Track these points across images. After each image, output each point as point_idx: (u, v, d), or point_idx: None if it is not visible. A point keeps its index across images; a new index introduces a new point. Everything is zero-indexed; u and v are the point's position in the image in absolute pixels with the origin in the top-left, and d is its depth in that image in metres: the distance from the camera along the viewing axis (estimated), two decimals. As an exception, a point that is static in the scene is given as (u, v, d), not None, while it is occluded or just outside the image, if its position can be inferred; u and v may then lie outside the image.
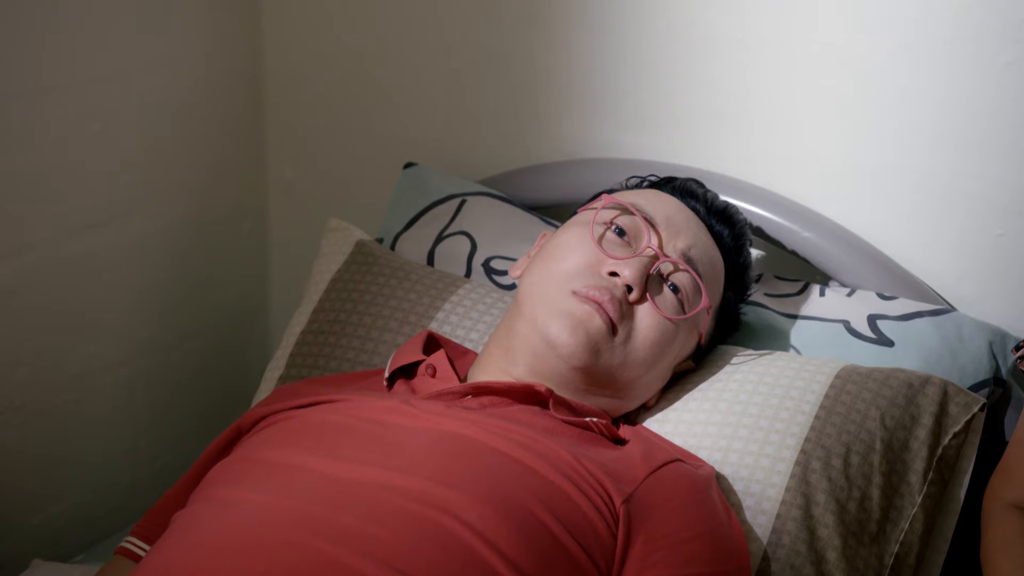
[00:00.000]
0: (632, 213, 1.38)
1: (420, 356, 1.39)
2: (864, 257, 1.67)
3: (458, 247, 1.71)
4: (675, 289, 1.37)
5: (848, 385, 1.41)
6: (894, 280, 1.66)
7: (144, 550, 1.31)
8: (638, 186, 1.51)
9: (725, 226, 1.46)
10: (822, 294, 1.64)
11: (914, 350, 1.56)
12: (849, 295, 1.64)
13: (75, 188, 1.73)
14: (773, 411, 1.39)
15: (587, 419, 1.31)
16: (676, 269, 1.37)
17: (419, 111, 1.94)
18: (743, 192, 1.66)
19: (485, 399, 1.30)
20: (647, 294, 1.35)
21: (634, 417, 1.44)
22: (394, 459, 1.17)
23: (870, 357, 1.54)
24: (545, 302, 1.33)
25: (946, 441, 1.39)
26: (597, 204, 1.43)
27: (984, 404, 1.41)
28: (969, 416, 1.40)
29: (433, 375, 1.36)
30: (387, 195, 1.84)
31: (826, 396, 1.40)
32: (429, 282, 1.63)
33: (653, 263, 1.36)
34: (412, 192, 1.80)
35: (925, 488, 1.37)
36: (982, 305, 1.65)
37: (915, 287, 1.65)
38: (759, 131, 1.73)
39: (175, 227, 1.91)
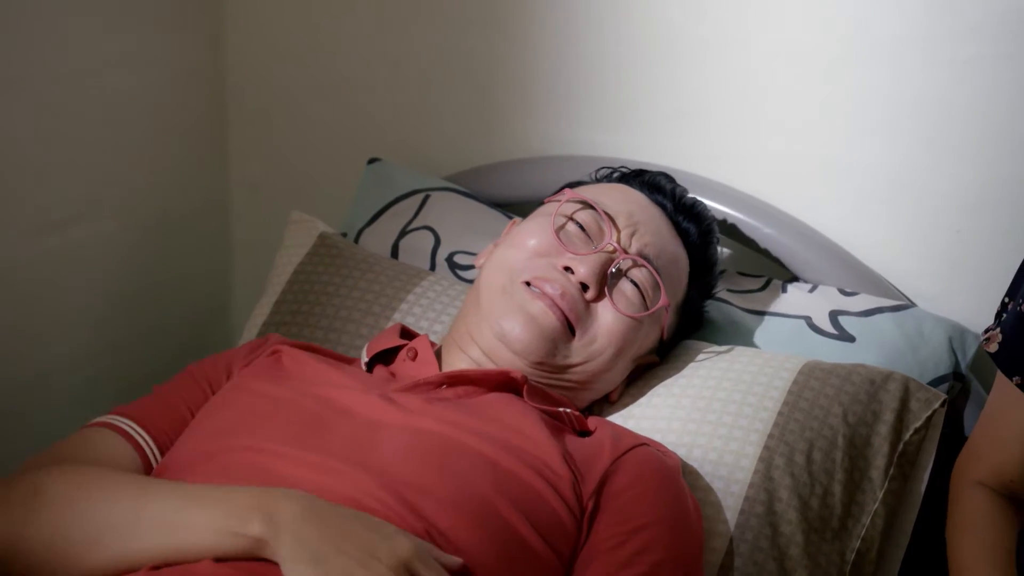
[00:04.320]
0: (593, 208, 1.38)
1: (399, 341, 1.39)
2: (826, 253, 1.68)
3: (422, 242, 1.71)
4: (635, 285, 1.37)
5: (811, 381, 1.42)
6: (855, 276, 1.67)
7: (141, 435, 1.27)
8: (607, 177, 1.51)
9: (692, 223, 1.46)
10: (784, 290, 1.65)
11: (875, 346, 1.57)
12: (811, 291, 1.65)
13: (35, 187, 1.71)
14: (737, 407, 1.40)
15: (560, 410, 1.31)
16: (634, 265, 1.38)
17: (383, 109, 1.94)
18: (706, 189, 1.66)
19: (460, 388, 1.30)
20: (605, 291, 1.35)
21: (597, 410, 1.44)
22: (372, 459, 1.16)
23: (832, 352, 1.55)
24: (498, 294, 1.34)
25: (907, 437, 1.40)
26: (561, 197, 1.43)
27: (945, 400, 1.43)
28: (930, 412, 1.41)
29: (414, 358, 1.36)
30: (352, 193, 1.83)
31: (789, 392, 1.40)
32: (392, 274, 1.62)
33: (612, 260, 1.36)
34: (376, 187, 1.80)
35: (887, 484, 1.38)
36: (941, 301, 1.67)
37: (876, 283, 1.67)
38: (721, 129, 1.74)
39: (137, 226, 1.90)
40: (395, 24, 1.91)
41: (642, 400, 1.44)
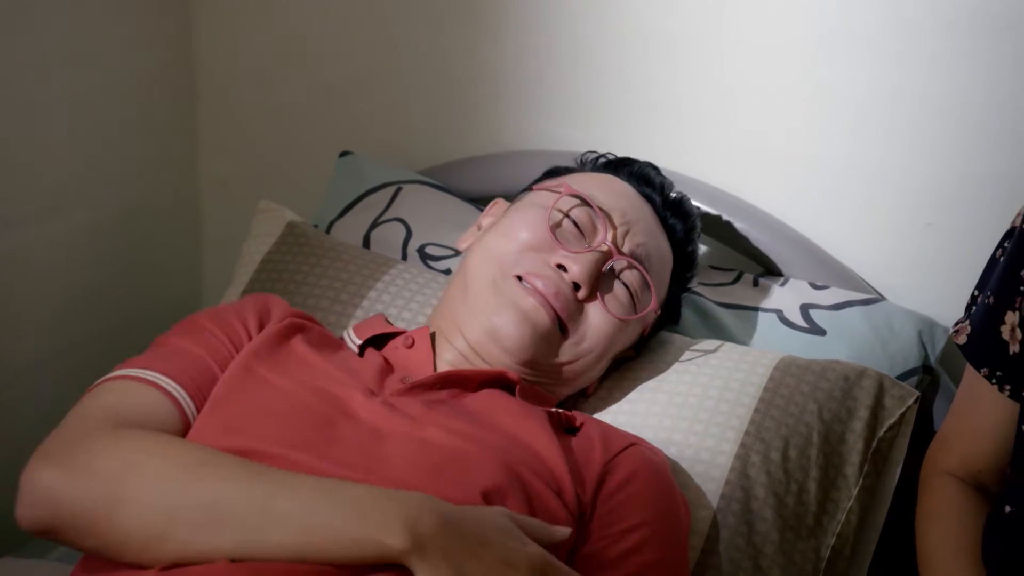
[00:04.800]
0: (589, 205, 1.37)
1: (392, 328, 1.37)
2: (796, 247, 1.68)
3: (393, 233, 1.70)
4: (625, 286, 1.36)
5: (787, 378, 1.42)
6: (825, 270, 1.67)
7: (183, 397, 1.20)
8: (594, 163, 1.49)
9: (679, 219, 1.45)
10: (755, 284, 1.66)
11: (845, 339, 1.57)
12: (782, 285, 1.65)
13: (2, 182, 1.70)
14: (713, 403, 1.40)
15: (552, 410, 1.30)
16: (628, 267, 1.36)
17: (355, 104, 1.93)
18: (677, 183, 1.65)
19: (456, 390, 1.28)
20: (597, 292, 1.34)
21: (572, 404, 1.44)
22: (382, 470, 1.13)
23: (803, 346, 1.56)
24: (489, 287, 1.32)
25: (881, 434, 1.41)
26: (553, 184, 1.41)
27: (918, 397, 1.43)
28: (903, 409, 1.42)
29: (411, 346, 1.34)
30: (323, 187, 1.83)
31: (765, 389, 1.41)
32: (361, 262, 1.62)
33: (606, 260, 1.35)
34: (347, 180, 1.79)
35: (861, 481, 1.38)
36: (911, 294, 1.68)
37: (846, 277, 1.67)
38: (693, 123, 1.74)
39: (106, 221, 1.88)
40: (367, 18, 1.90)
41: (616, 395, 1.44)
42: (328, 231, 1.75)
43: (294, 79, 1.96)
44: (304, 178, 1.93)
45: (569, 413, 1.31)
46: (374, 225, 1.72)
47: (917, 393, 1.43)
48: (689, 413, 1.39)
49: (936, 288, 1.67)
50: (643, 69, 1.75)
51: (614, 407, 1.43)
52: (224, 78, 2.00)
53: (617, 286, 1.35)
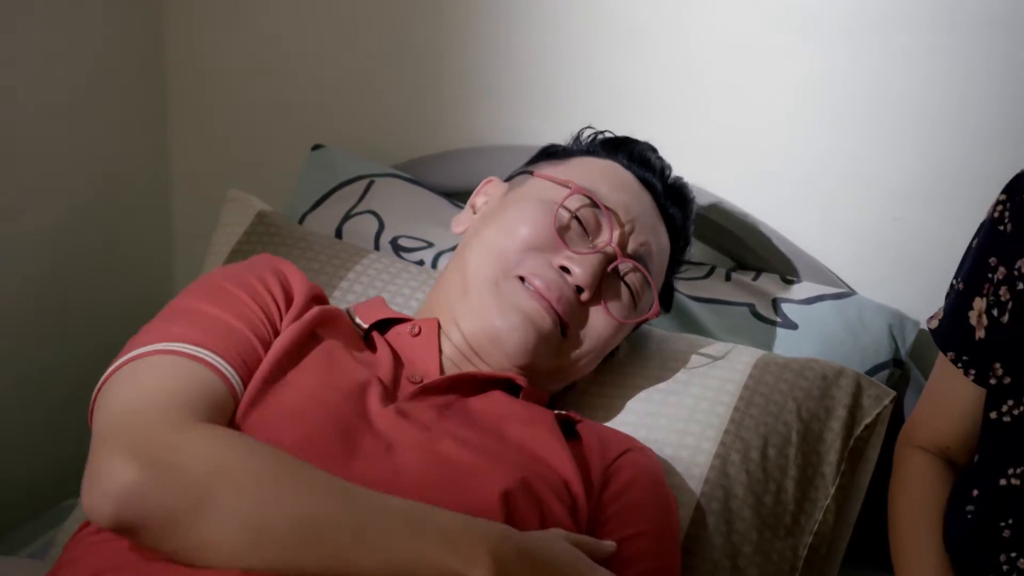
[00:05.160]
0: (597, 205, 1.33)
1: (397, 314, 1.33)
2: (767, 241, 1.69)
3: (365, 226, 1.70)
4: (628, 287, 1.33)
5: (766, 376, 1.42)
6: (797, 264, 1.68)
7: (235, 380, 1.14)
8: (591, 142, 1.45)
9: (678, 207, 1.42)
10: (728, 278, 1.66)
11: (817, 333, 1.58)
12: (754, 279, 1.66)
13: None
14: (693, 401, 1.40)
15: (558, 412, 1.29)
16: (631, 269, 1.33)
17: (326, 99, 1.92)
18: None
19: (464, 391, 1.26)
20: (599, 294, 1.31)
21: (559, 397, 1.41)
22: (395, 486, 1.09)
23: (775, 340, 1.57)
24: (490, 287, 1.28)
25: (858, 433, 1.41)
26: (555, 173, 1.37)
27: (895, 397, 1.44)
28: (880, 408, 1.42)
29: (417, 334, 1.30)
30: (294, 182, 1.82)
31: (745, 387, 1.41)
32: (332, 252, 1.61)
33: (610, 261, 1.31)
34: (320, 173, 1.78)
35: (838, 480, 1.39)
36: (881, 288, 1.69)
37: (817, 271, 1.68)
38: (661, 117, 1.74)
39: (75, 218, 1.86)
40: (338, 14, 1.89)
41: (593, 389, 1.44)
42: (301, 223, 1.74)
43: (265, 74, 1.95)
44: (275, 173, 1.91)
45: (572, 415, 1.30)
46: (346, 218, 1.72)
47: (893, 393, 1.44)
48: (668, 411, 1.39)
49: (906, 282, 1.68)
50: (613, 62, 1.75)
51: (595, 402, 1.42)
52: (195, 72, 1.98)
53: (619, 287, 1.33)
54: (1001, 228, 1.30)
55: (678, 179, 1.43)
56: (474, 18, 1.80)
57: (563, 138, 1.77)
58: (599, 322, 1.31)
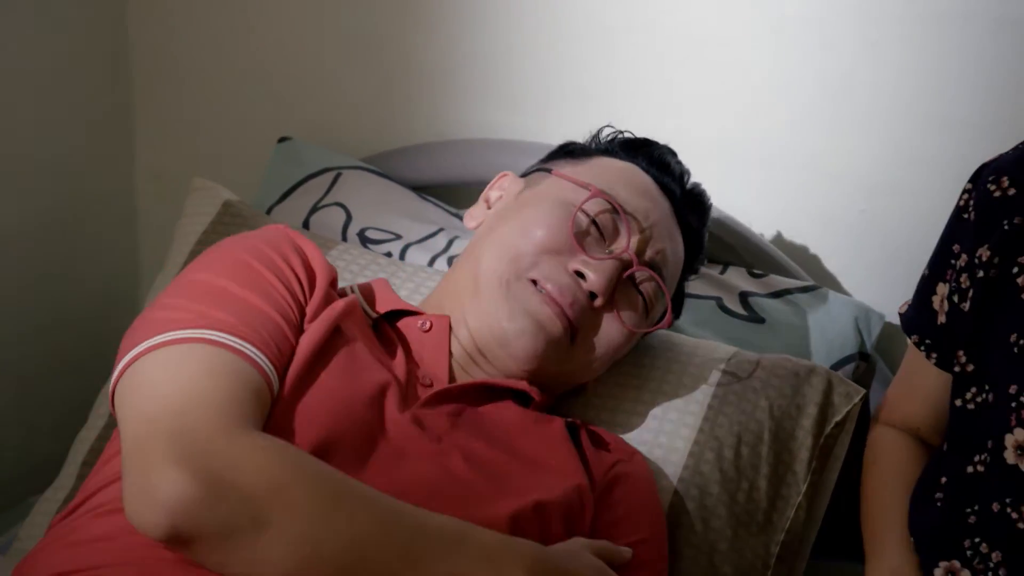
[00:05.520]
0: (617, 211, 1.30)
1: (409, 306, 1.30)
2: (734, 235, 1.70)
3: (333, 218, 1.69)
4: (640, 294, 1.31)
5: (739, 373, 1.42)
6: (763, 257, 1.69)
7: (271, 373, 1.09)
8: (610, 142, 1.43)
9: (696, 215, 1.40)
10: (695, 271, 1.66)
11: (784, 327, 1.59)
12: (721, 272, 1.66)
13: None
14: (667, 399, 1.40)
15: (568, 420, 1.28)
16: (646, 277, 1.31)
17: (292, 94, 1.92)
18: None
19: (476, 399, 1.25)
20: (612, 301, 1.29)
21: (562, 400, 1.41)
22: (400, 498, 1.07)
23: (742, 334, 1.57)
24: (501, 288, 1.26)
25: (828, 430, 1.41)
26: (574, 174, 1.34)
27: (865, 394, 1.44)
28: (850, 406, 1.43)
29: (428, 330, 1.27)
30: (261, 177, 1.81)
31: (718, 384, 1.41)
32: (301, 242, 1.60)
33: (625, 268, 1.29)
34: (286, 165, 1.77)
35: (809, 477, 1.39)
36: (847, 281, 1.70)
37: (784, 264, 1.69)
38: (628, 111, 1.73)
39: (40, 214, 1.84)
40: (303, 6, 1.88)
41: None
42: (268, 215, 1.73)
43: (231, 68, 1.94)
44: (241, 168, 1.90)
45: (578, 422, 1.30)
46: (314, 210, 1.71)
47: (864, 391, 1.44)
48: (642, 409, 1.39)
49: (871, 275, 1.70)
50: (577, 56, 1.75)
51: (568, 401, 1.41)
52: (160, 66, 1.97)
53: (632, 295, 1.30)
54: (965, 216, 1.32)
55: (696, 185, 1.41)
56: (442, 12, 1.80)
57: (528, 132, 1.78)
58: (610, 329, 1.29)
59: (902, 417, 1.43)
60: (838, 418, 1.41)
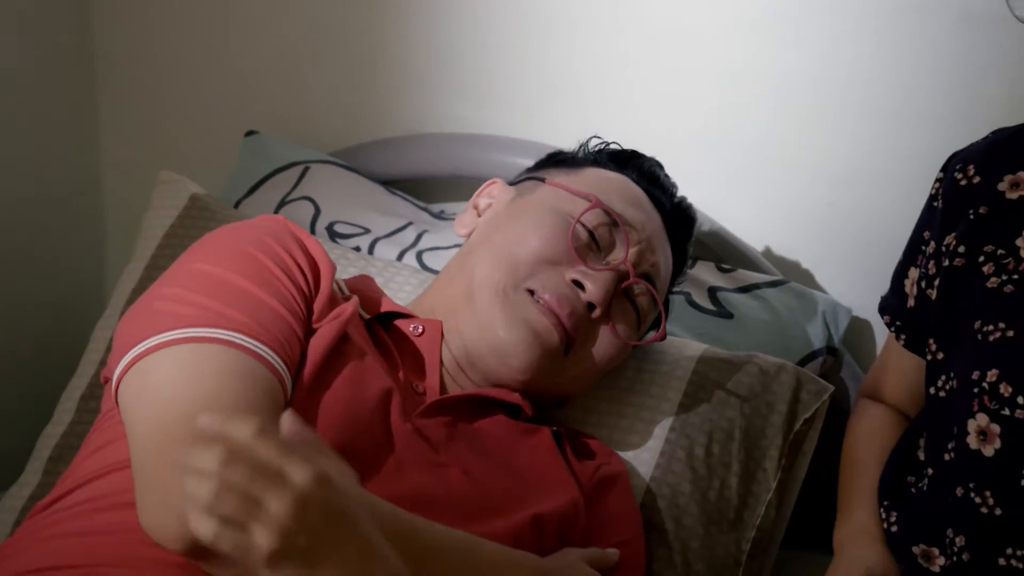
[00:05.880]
0: (616, 223, 1.30)
1: (402, 309, 1.28)
2: (702, 229, 1.70)
3: (301, 212, 1.69)
4: (634, 306, 1.31)
5: (710, 371, 1.43)
6: (731, 252, 1.69)
7: (286, 376, 1.07)
8: (599, 152, 1.42)
9: (683, 227, 1.40)
10: (663, 266, 1.67)
11: (752, 321, 1.60)
12: (690, 267, 1.66)
13: None
14: (638, 398, 1.40)
15: (554, 430, 1.28)
16: (642, 290, 1.31)
17: (260, 88, 1.91)
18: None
19: (471, 408, 1.24)
20: (607, 313, 1.28)
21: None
22: (406, 508, 1.06)
23: (711, 329, 1.57)
24: (497, 297, 1.25)
25: (798, 427, 1.42)
26: (570, 182, 1.33)
27: (833, 391, 1.45)
28: (819, 403, 1.44)
29: (420, 335, 1.26)
30: (228, 171, 1.80)
31: (689, 383, 1.41)
32: (271, 237, 1.59)
33: (622, 279, 1.28)
34: (254, 159, 1.77)
35: (779, 474, 1.40)
36: (815, 275, 1.71)
37: (752, 259, 1.69)
38: (593, 105, 1.75)
39: (2, 209, 1.82)
40: (270, 0, 1.88)
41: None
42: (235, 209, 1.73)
43: (196, 61, 1.93)
44: (208, 162, 1.89)
45: (562, 430, 1.29)
46: (282, 204, 1.71)
47: (832, 388, 1.45)
48: (615, 408, 1.39)
49: (839, 269, 1.71)
50: (543, 50, 1.75)
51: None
52: (124, 60, 1.95)
53: (626, 306, 1.30)
54: (935, 204, 1.34)
55: (684, 199, 1.42)
56: (409, 6, 1.80)
57: (494, 126, 1.77)
58: (605, 342, 1.28)
59: (880, 394, 1.46)
60: (807, 415, 1.42)
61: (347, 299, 1.20)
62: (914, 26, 1.60)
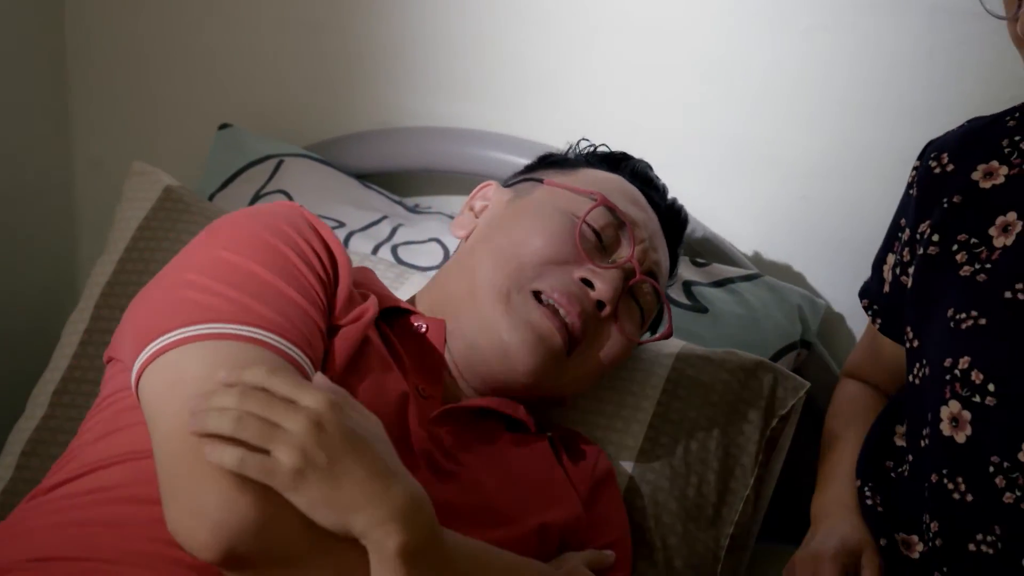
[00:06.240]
0: (623, 223, 1.29)
1: (407, 305, 1.27)
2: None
3: (276, 206, 1.69)
4: (639, 304, 1.30)
5: (688, 369, 1.43)
6: (705, 246, 1.70)
7: (310, 367, 1.05)
8: (590, 154, 1.41)
9: (676, 227, 1.40)
10: (638, 260, 1.67)
11: (727, 316, 1.60)
12: (668, 263, 1.67)
13: None
14: (618, 396, 1.40)
15: (548, 435, 1.28)
16: (648, 288, 1.31)
17: (233, 81, 1.90)
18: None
19: (475, 418, 1.24)
20: (615, 311, 1.27)
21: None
22: None
23: (686, 323, 1.58)
24: (501, 299, 1.23)
25: (774, 424, 1.43)
26: (570, 182, 1.32)
27: (808, 388, 1.46)
28: (795, 400, 1.45)
29: (424, 332, 1.24)
30: (202, 165, 1.79)
31: (668, 380, 1.41)
32: (246, 229, 1.58)
33: (629, 277, 1.28)
34: (228, 153, 1.76)
35: (756, 470, 1.40)
36: (789, 268, 1.71)
37: (726, 252, 1.70)
38: (568, 99, 1.75)
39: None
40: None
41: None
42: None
43: (169, 56, 1.92)
44: (181, 155, 1.88)
45: (555, 436, 1.29)
46: (256, 197, 1.70)
47: (808, 384, 1.46)
48: (594, 405, 1.39)
49: (813, 262, 1.72)
50: (518, 45, 1.76)
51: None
52: (96, 53, 1.94)
53: (631, 305, 1.29)
54: (911, 192, 1.36)
55: (676, 200, 1.42)
56: (380, 1, 1.79)
57: (470, 120, 1.77)
58: (613, 340, 1.28)
59: (860, 372, 1.49)
60: (783, 411, 1.43)
61: (364, 297, 1.19)
62: (884, 20, 1.61)
